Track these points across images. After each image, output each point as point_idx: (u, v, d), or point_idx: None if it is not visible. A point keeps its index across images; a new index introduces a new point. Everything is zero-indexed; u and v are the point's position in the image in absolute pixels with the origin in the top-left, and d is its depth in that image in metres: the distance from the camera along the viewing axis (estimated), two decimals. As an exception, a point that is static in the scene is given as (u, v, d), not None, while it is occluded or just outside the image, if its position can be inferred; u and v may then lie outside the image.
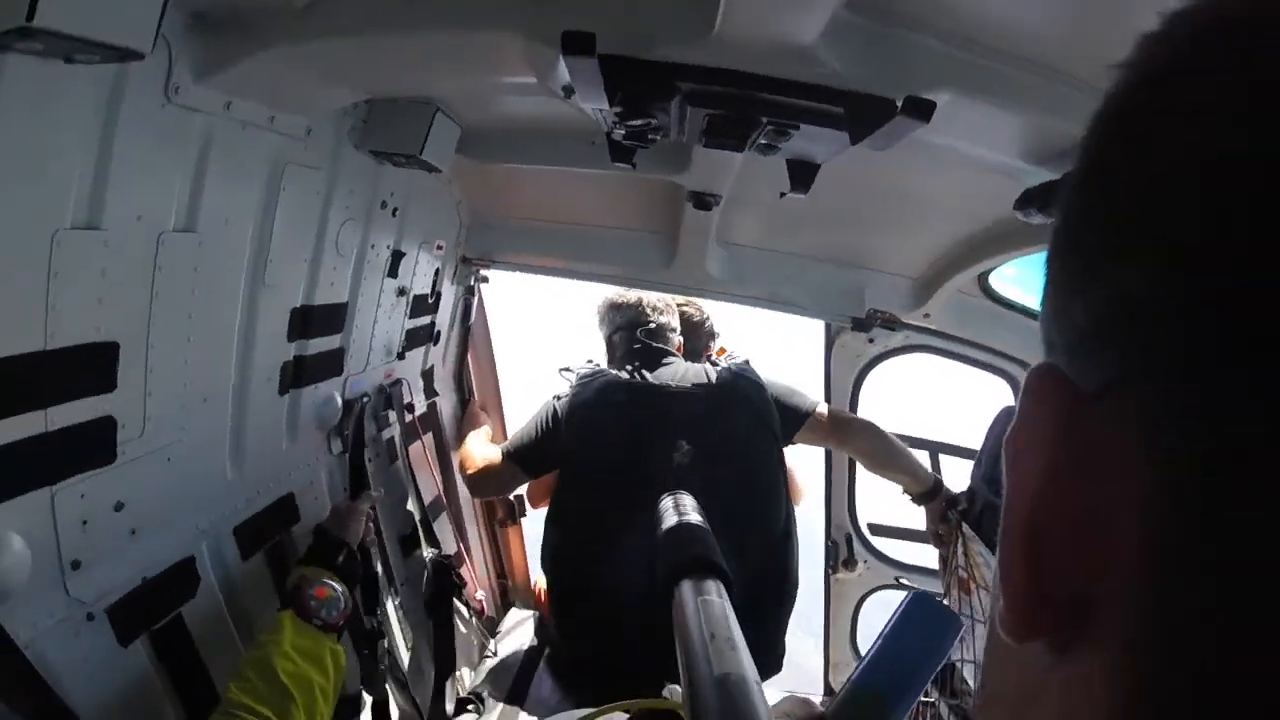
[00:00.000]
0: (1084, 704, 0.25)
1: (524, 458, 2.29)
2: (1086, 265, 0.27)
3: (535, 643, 2.61)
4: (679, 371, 2.29)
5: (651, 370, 2.28)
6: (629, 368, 2.30)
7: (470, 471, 2.42)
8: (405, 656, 2.19)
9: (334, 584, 1.46)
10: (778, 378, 2.39)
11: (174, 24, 1.10)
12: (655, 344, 2.38)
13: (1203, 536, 0.21)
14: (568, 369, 2.39)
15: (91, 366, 1.15)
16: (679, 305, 2.57)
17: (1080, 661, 0.25)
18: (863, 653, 2.64)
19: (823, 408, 2.38)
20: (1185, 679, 0.21)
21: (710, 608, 0.64)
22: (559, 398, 2.30)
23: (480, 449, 2.49)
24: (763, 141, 1.20)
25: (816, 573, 3.00)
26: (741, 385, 2.26)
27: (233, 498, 1.58)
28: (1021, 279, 2.41)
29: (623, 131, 1.21)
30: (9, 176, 0.95)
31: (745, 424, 2.20)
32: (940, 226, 2.15)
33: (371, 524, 1.79)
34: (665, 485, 1.99)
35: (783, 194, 1.47)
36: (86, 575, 1.18)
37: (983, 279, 2.35)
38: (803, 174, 1.40)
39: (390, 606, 2.15)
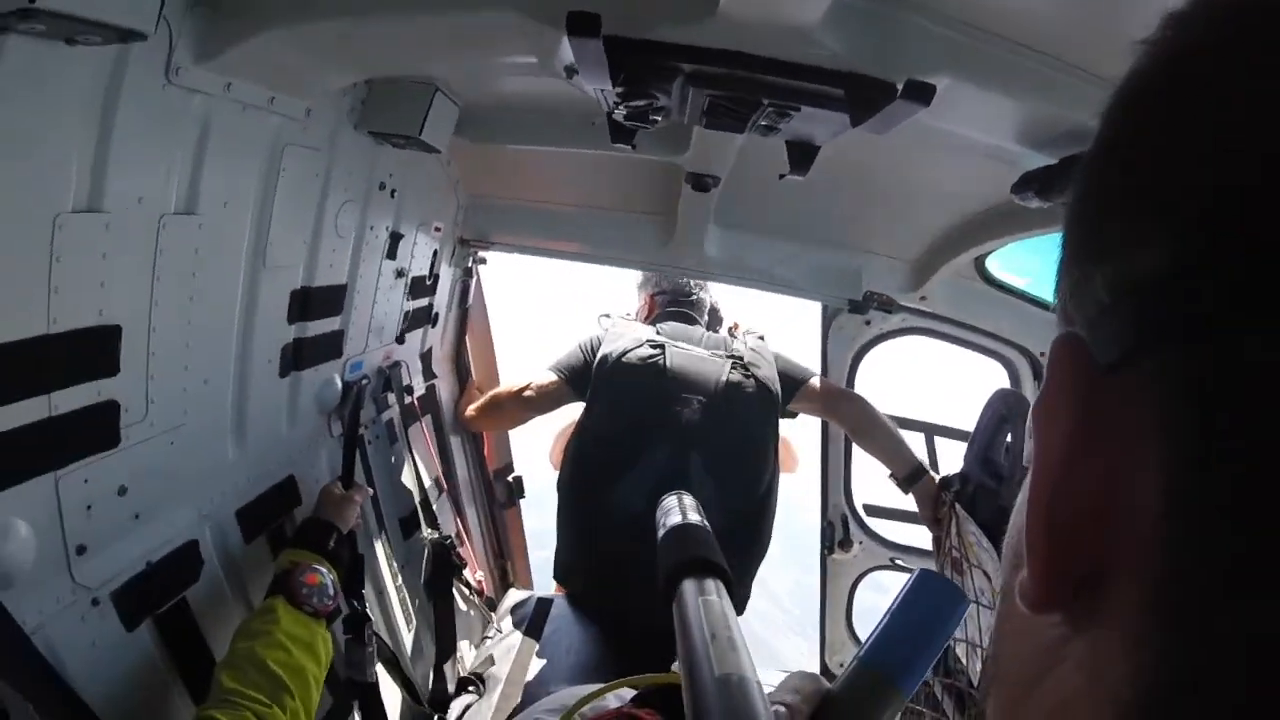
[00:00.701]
0: (1103, 672, 0.25)
1: (572, 377, 2.51)
2: (1107, 238, 0.28)
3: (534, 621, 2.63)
4: (704, 337, 2.50)
5: (681, 333, 2.48)
6: (660, 328, 2.51)
7: (521, 393, 2.61)
8: (406, 638, 2.22)
9: (323, 569, 1.46)
10: (784, 352, 2.58)
11: (175, 4, 1.09)
12: (690, 312, 2.64)
13: (1228, 497, 0.22)
14: (607, 315, 2.65)
15: (94, 350, 1.15)
16: None
17: (1098, 631, 0.26)
18: (858, 633, 2.69)
19: (817, 379, 2.58)
20: (1216, 635, 0.21)
21: (711, 607, 0.64)
22: (602, 332, 2.53)
23: (516, 382, 2.70)
24: (763, 123, 1.21)
25: (810, 577, 3.09)
26: (753, 357, 2.44)
27: (234, 480, 1.59)
28: (1018, 264, 2.44)
29: (624, 112, 1.21)
30: (9, 159, 0.94)
31: (750, 391, 2.37)
32: (937, 210, 2.15)
33: (361, 512, 1.80)
34: (674, 433, 2.24)
35: (782, 176, 1.47)
36: (91, 560, 1.19)
37: (979, 262, 2.36)
38: (802, 156, 1.41)
39: (390, 588, 2.17)
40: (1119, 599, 0.25)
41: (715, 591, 0.66)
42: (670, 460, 2.24)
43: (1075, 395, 0.27)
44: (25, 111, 0.94)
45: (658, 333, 2.47)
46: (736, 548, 2.28)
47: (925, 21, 1.01)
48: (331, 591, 1.44)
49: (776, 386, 2.42)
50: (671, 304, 2.66)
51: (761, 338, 2.56)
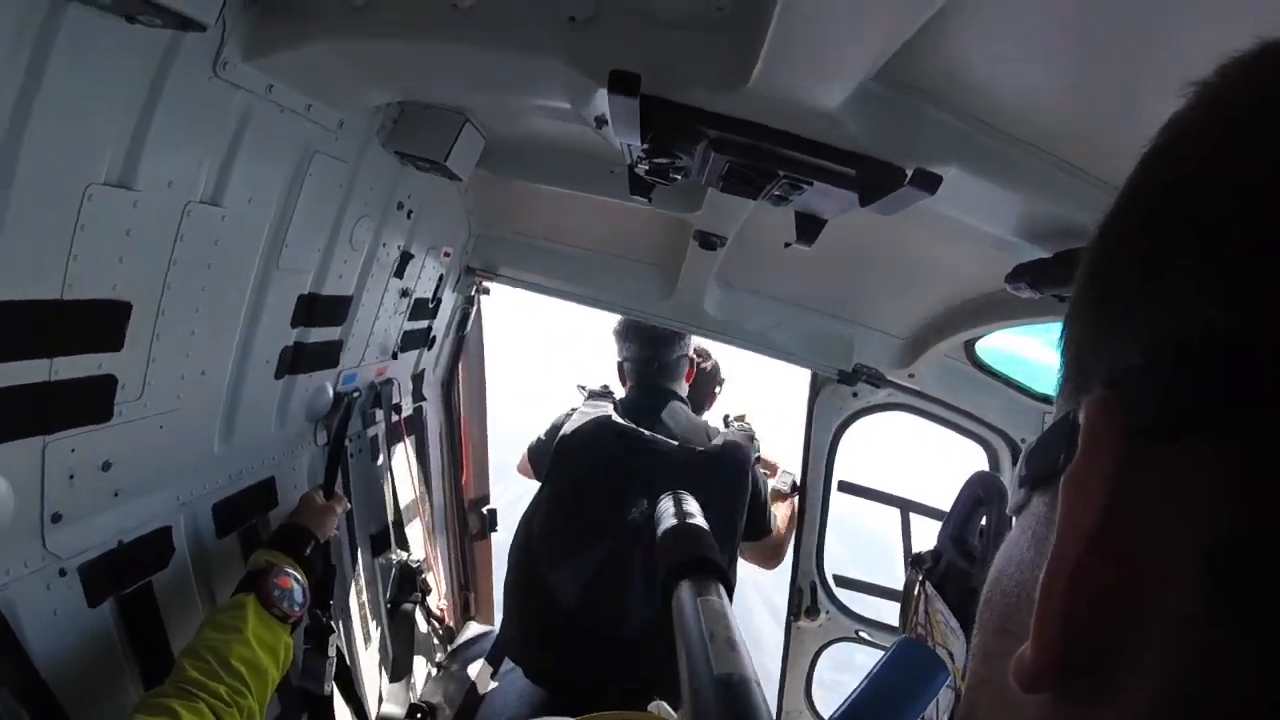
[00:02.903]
0: None
1: (535, 458, 2.53)
2: (1144, 296, 0.26)
3: (491, 657, 2.59)
4: (676, 424, 2.33)
5: (650, 415, 2.34)
6: (628, 404, 2.39)
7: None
8: (362, 656, 2.18)
9: (297, 575, 1.46)
10: (767, 485, 2.47)
11: (235, 1, 1.14)
12: (663, 383, 2.47)
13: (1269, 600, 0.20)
14: (583, 386, 2.57)
15: (103, 323, 1.17)
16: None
17: (1099, 715, 0.24)
18: (816, 703, 2.63)
19: (776, 535, 2.52)
20: None
21: (710, 607, 0.64)
22: (572, 410, 2.44)
23: None
24: (776, 193, 1.26)
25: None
26: (727, 463, 2.27)
27: (216, 474, 1.59)
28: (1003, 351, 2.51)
29: (646, 167, 1.27)
30: (53, 123, 0.97)
31: (710, 501, 2.22)
32: (933, 291, 2.22)
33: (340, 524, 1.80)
34: (618, 531, 2.12)
35: (788, 244, 1.53)
36: (65, 530, 1.19)
37: (969, 345, 2.42)
38: (809, 227, 1.46)
39: (353, 604, 2.14)
40: (1131, 687, 0.23)
41: (714, 592, 0.66)
42: (611, 557, 2.13)
43: (1111, 465, 0.24)
44: (75, 80, 0.98)
45: (623, 416, 2.33)
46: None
47: (939, 113, 1.08)
48: (301, 598, 1.43)
49: (744, 500, 2.28)
50: (642, 375, 2.49)
51: (751, 439, 2.41)
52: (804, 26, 0.83)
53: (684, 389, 2.52)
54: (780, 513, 2.58)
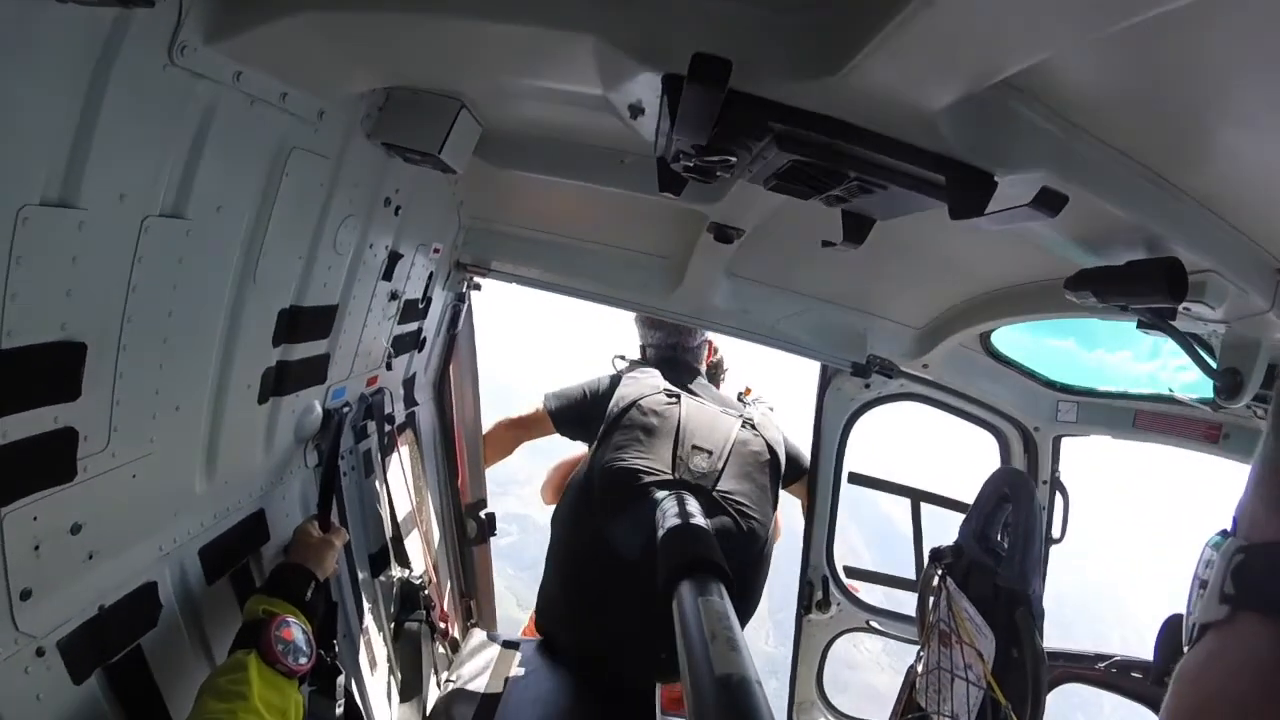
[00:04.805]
0: None
1: (561, 413, 2.58)
2: None
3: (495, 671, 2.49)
4: (710, 395, 2.50)
5: (684, 386, 2.48)
6: (666, 384, 2.48)
7: (511, 417, 2.82)
8: (370, 681, 2.05)
9: (299, 623, 1.33)
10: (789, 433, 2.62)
11: None
12: (690, 362, 2.67)
13: None
14: (621, 356, 2.77)
15: (53, 371, 0.99)
16: None
17: None
18: (828, 694, 2.60)
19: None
20: None
21: (711, 607, 0.65)
22: (615, 379, 2.53)
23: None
24: (838, 194, 1.13)
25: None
26: (763, 421, 2.43)
27: (200, 515, 1.43)
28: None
29: (691, 163, 1.11)
30: None
31: (757, 451, 2.35)
32: (951, 283, 2.13)
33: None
34: (677, 482, 2.09)
35: (826, 244, 1.40)
36: (37, 605, 1.04)
37: (984, 336, 2.35)
38: (858, 228, 1.34)
39: (355, 629, 2.00)
40: None
41: (715, 592, 0.63)
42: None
43: (1254, 677, 0.26)
44: None
45: (665, 391, 2.43)
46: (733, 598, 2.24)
47: (1034, 115, 0.95)
48: (306, 649, 1.31)
49: (783, 453, 2.41)
50: (666, 357, 2.67)
51: (771, 409, 2.57)
52: (945, 20, 0.70)
53: (704, 368, 2.72)
54: None
